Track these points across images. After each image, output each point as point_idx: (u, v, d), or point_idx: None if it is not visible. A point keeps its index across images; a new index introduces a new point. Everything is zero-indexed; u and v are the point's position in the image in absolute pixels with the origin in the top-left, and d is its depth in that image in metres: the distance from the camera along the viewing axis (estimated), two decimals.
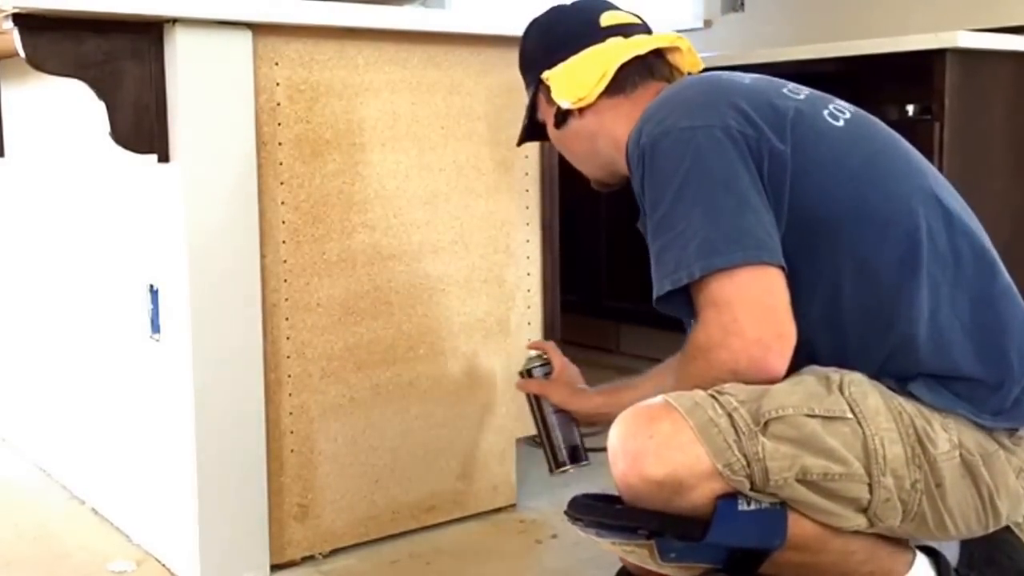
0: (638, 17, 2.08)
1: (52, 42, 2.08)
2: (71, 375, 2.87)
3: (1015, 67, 3.35)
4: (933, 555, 1.85)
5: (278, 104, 2.31)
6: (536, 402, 2.26)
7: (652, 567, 1.70)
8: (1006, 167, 3.36)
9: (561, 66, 1.99)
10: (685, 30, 5.03)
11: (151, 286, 2.36)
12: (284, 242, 2.33)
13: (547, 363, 2.28)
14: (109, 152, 2.26)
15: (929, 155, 3.07)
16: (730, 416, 1.63)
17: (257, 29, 2.25)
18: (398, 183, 2.48)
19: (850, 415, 1.65)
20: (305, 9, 2.30)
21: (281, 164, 2.32)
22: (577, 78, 1.97)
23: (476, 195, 2.61)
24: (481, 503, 2.71)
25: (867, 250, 1.71)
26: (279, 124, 2.31)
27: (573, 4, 2.10)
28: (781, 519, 1.65)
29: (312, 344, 2.40)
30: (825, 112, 1.83)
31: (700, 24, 4.97)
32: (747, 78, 1.90)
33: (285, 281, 2.34)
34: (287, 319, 2.35)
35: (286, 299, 2.35)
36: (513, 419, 2.73)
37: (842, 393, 1.67)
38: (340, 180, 2.40)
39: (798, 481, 1.62)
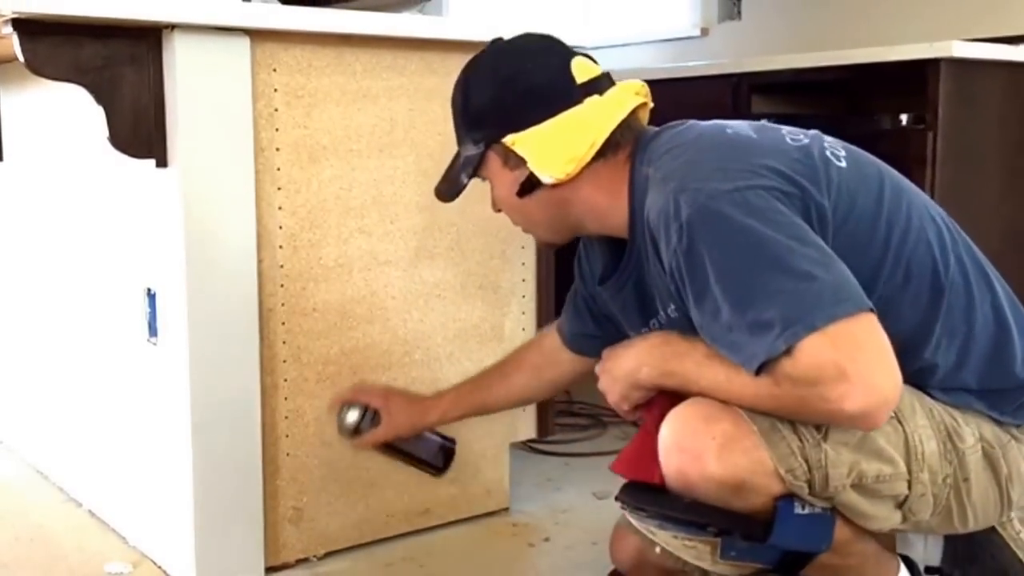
0: (595, 60, 1.88)
1: (51, 47, 2.08)
2: (69, 378, 2.87)
3: (1009, 77, 3.35)
4: (907, 563, 1.88)
5: (276, 110, 2.31)
6: (386, 446, 2.25)
7: (703, 564, 1.71)
8: (999, 177, 3.37)
9: (534, 132, 1.78)
10: (682, 38, 5.05)
11: (149, 290, 2.37)
12: (281, 247, 2.34)
13: (367, 410, 2.21)
14: (107, 157, 2.27)
15: (922, 164, 3.10)
16: (794, 424, 1.62)
17: (255, 35, 2.26)
18: (395, 189, 2.49)
19: (892, 414, 1.64)
20: (303, 16, 2.30)
21: (279, 169, 2.32)
22: (562, 150, 1.77)
23: (472, 201, 2.58)
24: (474, 507, 2.72)
25: (892, 291, 1.69)
26: (277, 130, 2.31)
27: (534, 50, 1.86)
28: (831, 523, 1.67)
29: (308, 349, 2.40)
30: (828, 154, 1.74)
31: (697, 32, 4.98)
32: (748, 130, 1.80)
33: (282, 286, 2.35)
34: (283, 324, 2.36)
35: (282, 304, 2.35)
36: (506, 424, 2.73)
37: None
38: (337, 186, 2.40)
39: (852, 487, 1.64)
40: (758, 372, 1.55)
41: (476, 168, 1.89)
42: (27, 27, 2.05)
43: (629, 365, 1.78)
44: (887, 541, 1.90)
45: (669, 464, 1.67)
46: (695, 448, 1.63)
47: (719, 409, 1.64)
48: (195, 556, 2.30)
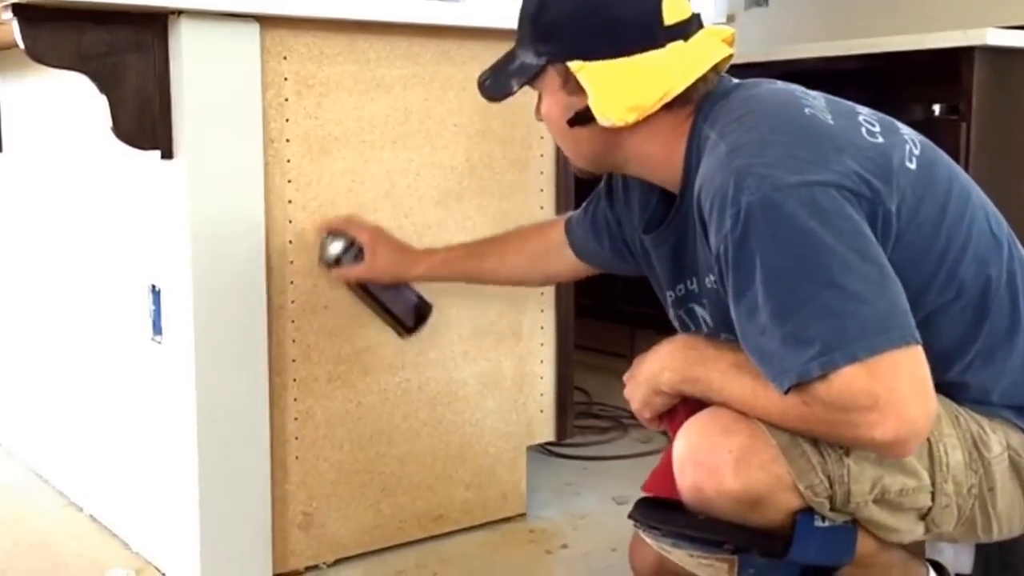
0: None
1: (52, 33, 2.07)
2: (70, 379, 2.87)
3: None
4: (937, 568, 1.86)
5: (286, 99, 2.30)
6: (361, 287, 2.26)
7: None
8: None
9: (603, 66, 1.70)
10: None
11: (153, 287, 2.36)
12: (291, 242, 2.32)
13: (351, 244, 2.22)
14: (111, 148, 2.26)
15: (956, 156, 3.05)
16: (814, 440, 1.59)
17: (265, 21, 2.25)
18: (409, 182, 2.47)
19: None
20: (315, 1, 2.29)
21: (289, 161, 2.31)
22: (628, 95, 1.69)
23: (489, 195, 2.60)
24: (490, 512, 2.71)
25: (938, 307, 1.65)
26: (287, 120, 2.30)
27: None
28: (852, 536, 1.65)
29: (319, 347, 2.39)
30: (905, 154, 1.67)
31: (723, 19, 4.94)
32: (824, 111, 1.69)
33: (291, 282, 2.33)
34: (293, 321, 2.35)
35: (292, 301, 2.34)
36: (524, 426, 2.72)
37: None
38: (349, 178, 2.39)
39: (874, 501, 1.62)
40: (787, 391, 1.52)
41: (531, 79, 1.81)
42: (27, 12, 2.04)
43: (651, 369, 1.75)
44: (914, 547, 1.88)
45: (684, 478, 1.65)
46: (711, 462, 1.61)
47: (737, 421, 1.61)
48: (200, 563, 2.29)
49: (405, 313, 2.31)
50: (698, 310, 1.85)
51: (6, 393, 3.34)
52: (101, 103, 2.15)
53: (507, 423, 2.69)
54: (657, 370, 1.74)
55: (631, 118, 1.70)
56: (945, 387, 1.66)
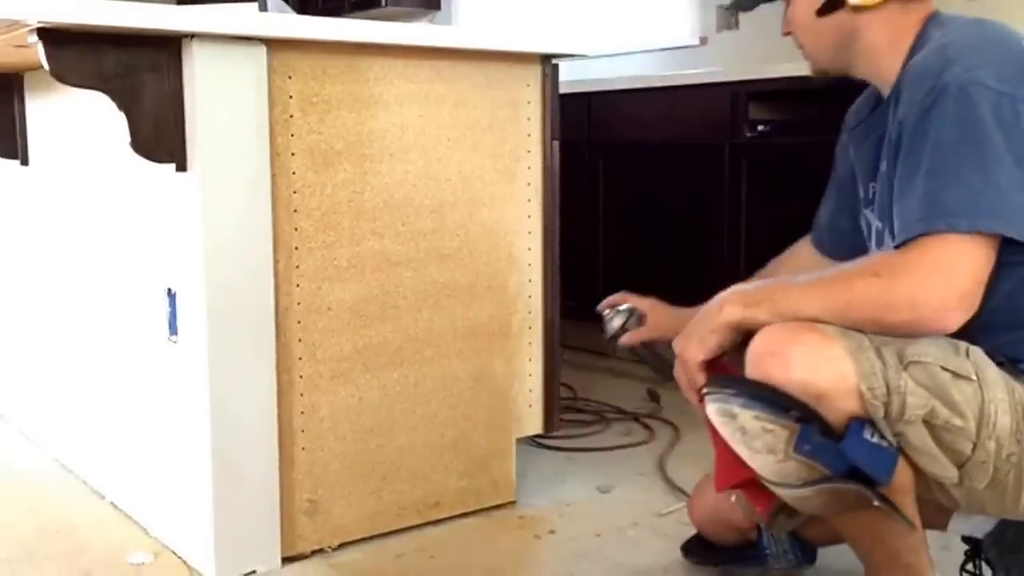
0: None
1: (75, 56, 2.09)
2: (92, 374, 2.87)
3: None
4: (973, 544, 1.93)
5: (291, 116, 2.31)
6: (644, 345, 2.25)
7: (773, 457, 1.67)
8: None
9: None
10: (681, 47, 5.04)
11: (169, 290, 2.37)
12: (297, 248, 2.34)
13: (632, 313, 2.22)
14: (129, 161, 2.27)
15: None
16: (878, 349, 1.64)
17: (272, 44, 2.26)
18: (406, 192, 2.49)
19: (974, 378, 1.66)
20: (318, 25, 2.30)
21: (294, 173, 2.32)
22: None
23: (481, 204, 2.61)
24: (483, 500, 2.72)
25: None
26: (292, 135, 2.32)
27: None
28: (894, 459, 1.66)
29: (323, 346, 2.40)
30: None
31: (696, 41, 4.97)
32: None
33: (297, 286, 2.35)
34: (299, 322, 2.36)
35: (298, 303, 2.35)
36: (514, 420, 2.73)
37: (968, 358, 1.68)
38: (350, 189, 2.40)
39: (924, 421, 1.64)
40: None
41: None
42: (52, 36, 2.05)
43: (708, 311, 1.80)
44: (938, 520, 1.96)
45: (756, 369, 1.68)
46: (783, 352, 1.65)
47: (809, 326, 1.67)
48: (214, 547, 2.30)
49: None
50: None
51: (34, 387, 3.34)
52: (120, 120, 2.17)
53: (498, 417, 2.70)
54: (715, 309, 1.79)
55: None
56: (1013, 345, 1.73)
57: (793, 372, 1.64)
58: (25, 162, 3.17)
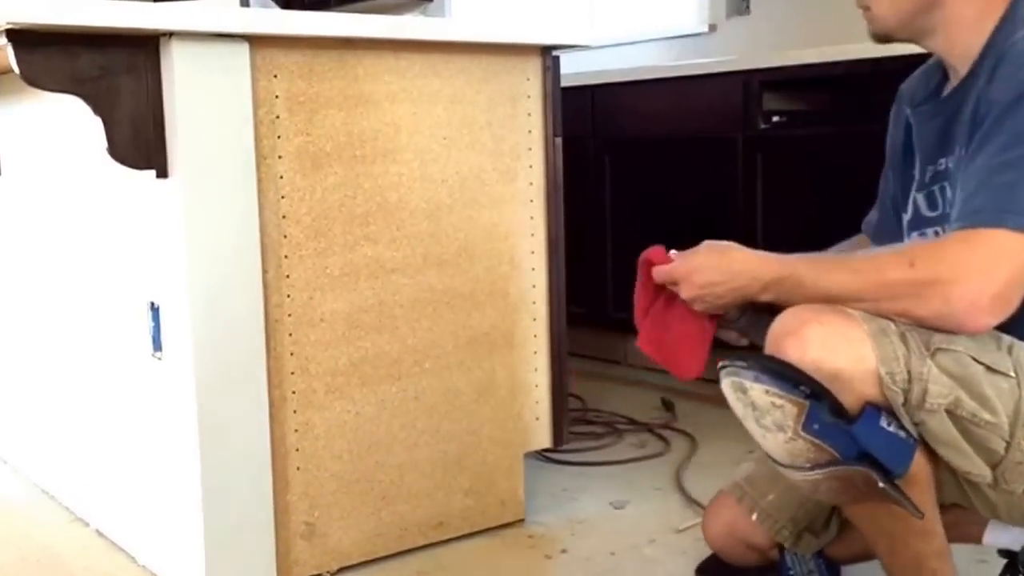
0: None
1: (47, 58, 2.08)
2: (73, 395, 2.86)
3: None
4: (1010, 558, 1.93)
5: (277, 117, 2.30)
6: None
7: (781, 437, 1.68)
8: None
9: None
10: (690, 35, 5.03)
11: (152, 303, 2.36)
12: (286, 257, 2.33)
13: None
14: (107, 168, 2.26)
15: None
16: (903, 335, 1.65)
17: (255, 41, 2.25)
18: (400, 195, 2.48)
19: (1012, 375, 1.67)
20: (303, 20, 2.29)
21: (282, 178, 2.31)
22: None
23: (480, 206, 2.60)
24: (489, 519, 2.71)
25: None
26: (279, 137, 2.31)
27: None
28: (912, 450, 1.66)
29: (316, 360, 2.39)
30: None
31: (705, 28, 4.96)
32: None
33: (288, 296, 2.34)
34: (290, 335, 2.35)
35: (289, 314, 2.34)
36: (521, 433, 2.72)
37: (1010, 354, 1.69)
38: (342, 193, 2.39)
39: (947, 412, 1.65)
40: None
41: None
42: (22, 37, 2.04)
43: (735, 268, 1.83)
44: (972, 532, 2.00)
45: (773, 347, 1.70)
46: (801, 331, 1.67)
47: (832, 309, 1.68)
48: (205, 574, 2.29)
49: None
50: (948, 188, 1.86)
51: (11, 410, 3.34)
52: (96, 125, 2.16)
53: (503, 430, 2.69)
54: (747, 276, 1.82)
55: None
56: None
57: (808, 351, 1.65)
58: None
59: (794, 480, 1.74)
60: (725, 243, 1.88)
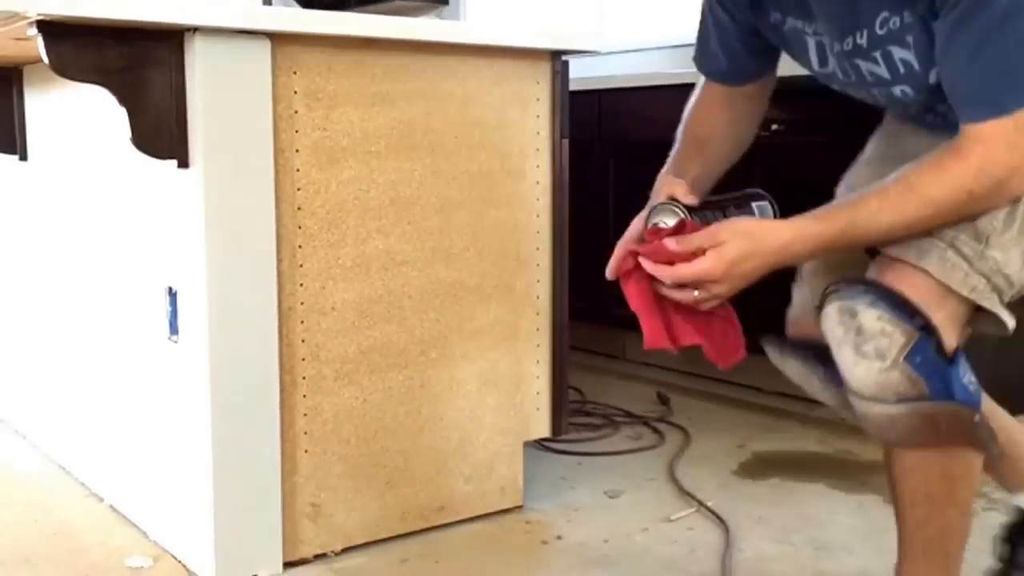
0: None
1: (75, 49, 2.09)
2: (91, 375, 2.88)
3: None
4: None
5: (296, 112, 2.32)
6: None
7: (877, 365, 1.65)
8: None
9: None
10: (693, 44, 5.02)
11: (170, 289, 2.37)
12: (300, 247, 2.34)
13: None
14: (130, 157, 2.28)
15: None
16: (953, 246, 1.64)
17: (276, 38, 2.27)
18: (412, 190, 2.49)
19: None
20: (323, 19, 2.31)
21: (298, 171, 2.33)
22: None
23: (488, 203, 2.61)
24: (489, 504, 2.72)
25: None
26: (296, 131, 2.32)
27: None
28: (980, 401, 1.69)
29: (327, 347, 2.41)
30: None
31: None
32: None
33: (301, 285, 2.35)
34: (302, 322, 2.37)
35: (302, 303, 2.36)
36: (521, 423, 2.74)
37: None
38: (356, 187, 2.41)
39: None
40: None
41: None
42: (52, 29, 2.06)
43: (774, 244, 1.69)
44: None
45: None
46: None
47: (893, 268, 1.67)
48: (215, 551, 2.31)
49: None
50: (896, 52, 1.73)
51: (31, 388, 3.35)
52: (121, 115, 2.18)
53: (505, 420, 2.71)
54: (783, 250, 1.69)
55: None
56: None
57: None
58: (24, 157, 3.18)
59: (870, 414, 1.69)
60: (744, 223, 1.72)
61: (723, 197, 1.87)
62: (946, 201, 1.60)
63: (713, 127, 2.11)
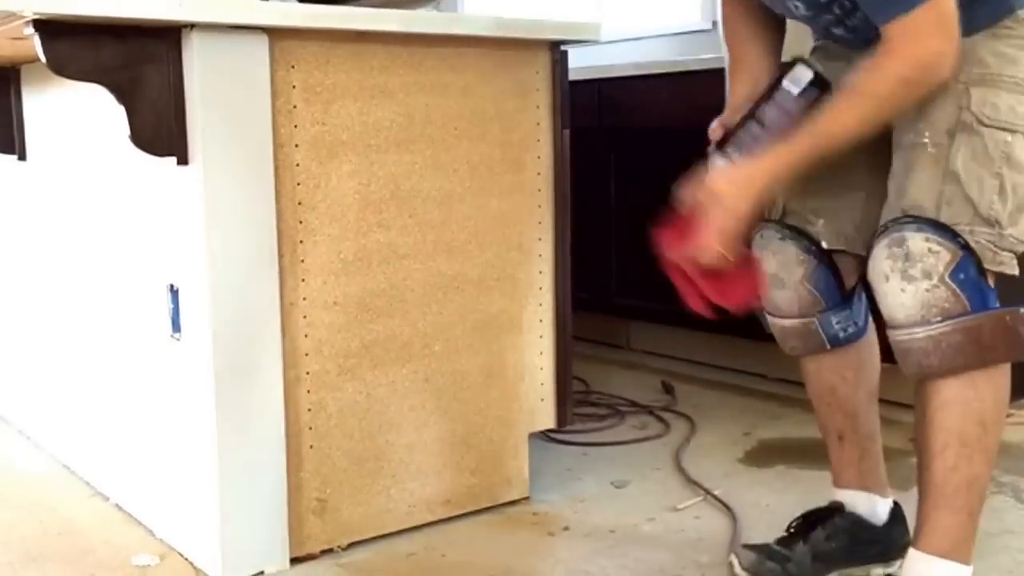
0: None
1: (72, 47, 2.07)
2: (94, 374, 2.86)
3: None
4: None
5: (294, 106, 2.29)
6: None
7: (924, 285, 1.81)
8: None
9: None
10: (694, 31, 5.02)
11: (171, 286, 2.35)
12: (301, 242, 2.32)
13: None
14: (129, 155, 2.26)
15: None
16: (974, 239, 1.82)
17: (273, 33, 2.24)
18: (413, 183, 2.47)
19: None
20: (321, 13, 2.28)
21: (298, 165, 2.31)
22: None
23: (489, 195, 2.59)
24: (495, 496, 2.70)
25: None
26: (295, 126, 2.30)
27: None
28: None
29: (330, 342, 2.39)
30: None
31: (709, 25, 4.94)
32: None
33: (303, 280, 2.33)
34: (305, 317, 2.34)
35: (304, 298, 2.34)
36: (526, 414, 2.72)
37: None
38: (356, 181, 2.39)
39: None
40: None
41: None
42: (49, 28, 2.04)
43: (748, 170, 1.97)
44: None
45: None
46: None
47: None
48: (220, 548, 2.29)
49: None
50: None
51: (35, 388, 3.34)
52: (119, 113, 2.15)
53: (509, 411, 2.69)
54: (756, 171, 1.94)
55: None
56: None
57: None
58: (23, 157, 3.17)
59: (914, 340, 1.83)
60: (716, 177, 2.03)
61: (760, 95, 2.11)
62: (886, 93, 1.81)
63: (743, 43, 2.32)
